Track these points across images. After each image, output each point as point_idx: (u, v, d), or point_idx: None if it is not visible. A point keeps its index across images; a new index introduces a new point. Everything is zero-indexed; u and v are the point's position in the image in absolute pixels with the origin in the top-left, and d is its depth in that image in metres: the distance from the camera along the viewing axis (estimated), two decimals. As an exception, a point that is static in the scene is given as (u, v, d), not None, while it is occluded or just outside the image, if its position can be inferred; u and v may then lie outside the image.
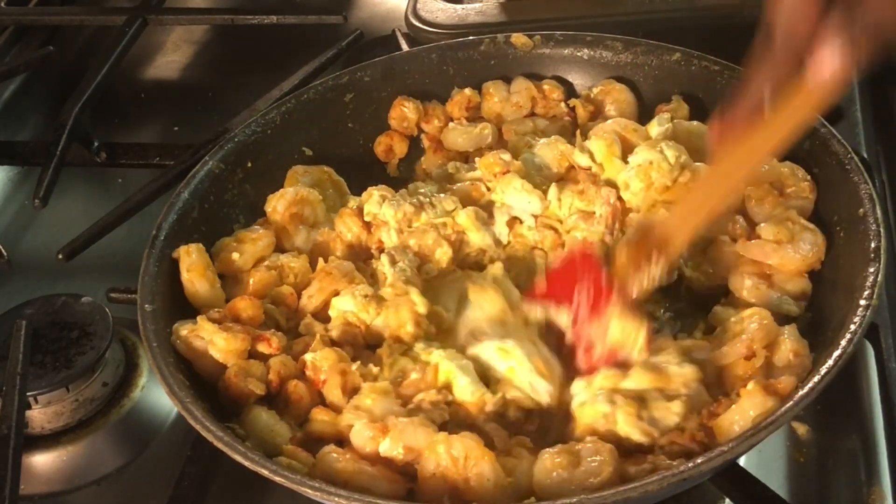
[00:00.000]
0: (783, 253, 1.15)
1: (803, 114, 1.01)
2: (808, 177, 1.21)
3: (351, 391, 1.11)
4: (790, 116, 1.01)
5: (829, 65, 0.93)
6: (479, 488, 0.99)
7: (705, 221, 1.12)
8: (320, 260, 1.26)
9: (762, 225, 1.18)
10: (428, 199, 1.30)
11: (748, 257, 1.18)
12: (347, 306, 1.19)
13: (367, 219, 1.30)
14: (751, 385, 1.02)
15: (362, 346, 1.19)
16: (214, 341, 1.13)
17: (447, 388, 1.11)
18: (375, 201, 1.29)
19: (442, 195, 1.31)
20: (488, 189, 1.32)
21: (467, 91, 1.44)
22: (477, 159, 1.35)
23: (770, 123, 1.02)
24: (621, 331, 1.11)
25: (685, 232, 1.12)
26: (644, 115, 1.39)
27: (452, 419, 1.09)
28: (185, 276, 1.21)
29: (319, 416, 1.10)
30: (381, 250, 1.28)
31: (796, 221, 1.17)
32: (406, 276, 1.22)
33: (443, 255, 1.26)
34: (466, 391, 1.10)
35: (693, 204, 1.13)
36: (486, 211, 1.30)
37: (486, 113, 1.44)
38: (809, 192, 1.21)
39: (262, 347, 1.16)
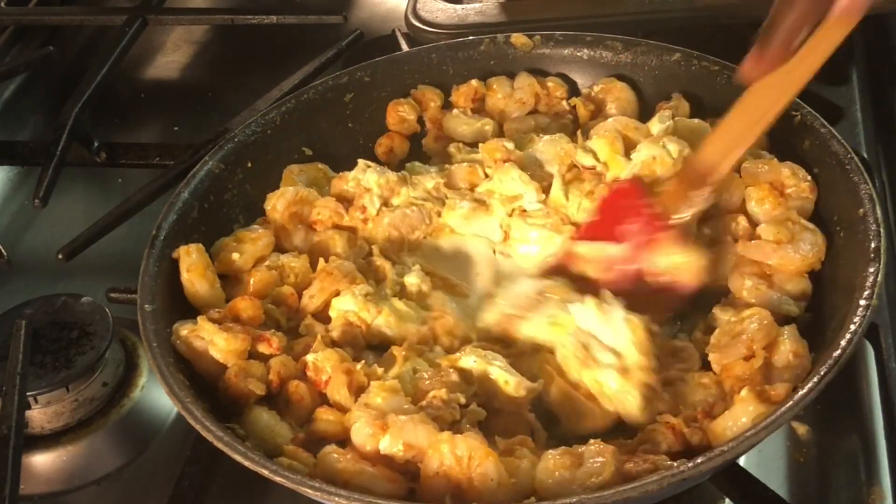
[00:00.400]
0: (783, 253, 1.15)
1: (831, 45, 1.11)
2: (809, 177, 1.21)
3: (356, 390, 1.11)
4: (820, 49, 1.11)
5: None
6: (482, 488, 0.99)
7: (744, 150, 1.19)
8: (321, 260, 1.26)
9: (762, 225, 1.18)
10: (411, 176, 1.33)
11: (748, 258, 1.18)
12: (348, 306, 1.19)
13: (350, 185, 1.32)
14: (744, 392, 1.02)
15: (363, 346, 1.19)
16: (215, 341, 1.13)
17: (488, 388, 1.12)
18: (360, 169, 1.32)
19: (427, 172, 1.34)
20: (486, 175, 1.33)
21: (474, 82, 1.44)
22: (480, 144, 1.35)
23: (802, 58, 1.11)
24: (678, 258, 1.18)
25: (727, 161, 1.19)
26: (644, 114, 1.39)
27: (501, 412, 1.11)
28: (185, 277, 1.21)
29: (324, 415, 1.10)
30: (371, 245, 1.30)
31: (796, 222, 1.17)
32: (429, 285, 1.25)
33: (422, 234, 1.30)
34: (516, 388, 1.11)
35: (732, 135, 1.19)
36: (483, 205, 1.31)
37: (490, 108, 1.44)
38: (810, 193, 1.21)
39: (263, 348, 1.16)
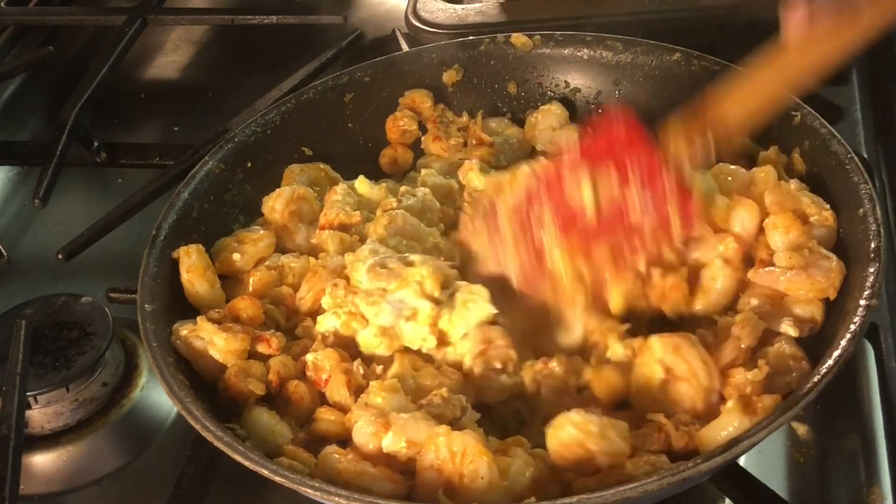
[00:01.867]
0: (792, 277, 1.12)
1: (882, 22, 1.02)
2: (828, 206, 1.18)
3: (356, 390, 1.11)
4: (870, 23, 1.03)
5: None
6: (471, 486, 0.99)
7: (763, 108, 1.12)
8: (311, 259, 1.26)
9: (779, 253, 1.15)
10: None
11: (759, 283, 1.14)
12: (331, 324, 1.18)
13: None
14: (730, 403, 1.02)
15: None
16: (214, 342, 1.13)
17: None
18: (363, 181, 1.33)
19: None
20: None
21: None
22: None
23: (850, 27, 1.03)
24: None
25: (741, 114, 1.12)
26: (646, 115, 1.39)
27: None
28: (185, 277, 1.21)
29: (325, 415, 1.10)
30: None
31: (815, 250, 1.14)
32: None
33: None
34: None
35: (753, 88, 1.12)
36: None
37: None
38: (832, 221, 1.17)
39: (262, 348, 1.16)
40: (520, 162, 1.40)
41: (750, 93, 1.12)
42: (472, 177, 1.34)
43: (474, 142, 1.41)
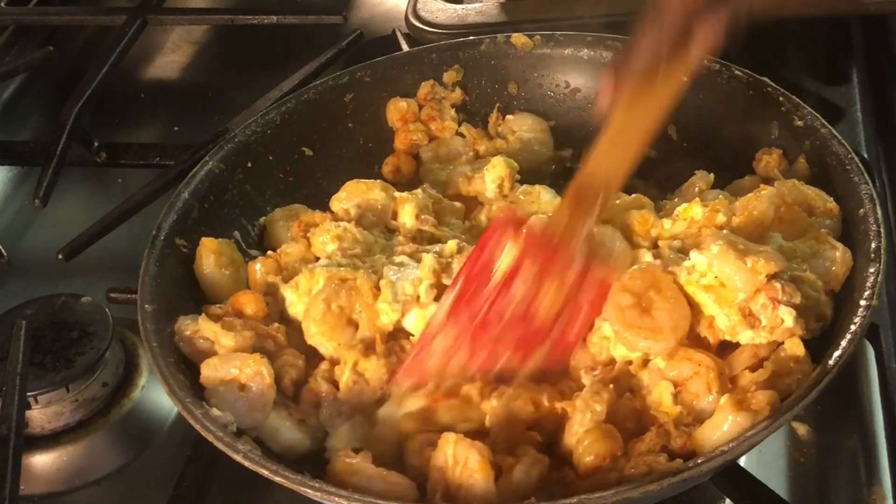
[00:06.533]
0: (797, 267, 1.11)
1: (685, 76, 1.13)
2: (831, 199, 1.17)
3: (295, 382, 1.14)
4: (676, 78, 1.13)
5: (707, 39, 1.10)
6: (464, 498, 0.99)
7: (635, 161, 1.16)
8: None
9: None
10: None
11: None
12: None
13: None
14: (723, 400, 1.01)
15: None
16: (221, 342, 1.13)
17: None
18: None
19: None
20: None
21: None
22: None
23: (662, 83, 1.12)
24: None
25: (621, 170, 1.16)
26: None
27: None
28: (206, 271, 1.22)
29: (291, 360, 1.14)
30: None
31: (823, 240, 1.12)
32: None
33: None
34: None
35: (619, 149, 1.16)
36: None
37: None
38: (837, 213, 1.16)
39: (268, 345, 1.16)
40: (533, 164, 1.41)
41: (611, 151, 1.16)
42: (407, 212, 1.29)
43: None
